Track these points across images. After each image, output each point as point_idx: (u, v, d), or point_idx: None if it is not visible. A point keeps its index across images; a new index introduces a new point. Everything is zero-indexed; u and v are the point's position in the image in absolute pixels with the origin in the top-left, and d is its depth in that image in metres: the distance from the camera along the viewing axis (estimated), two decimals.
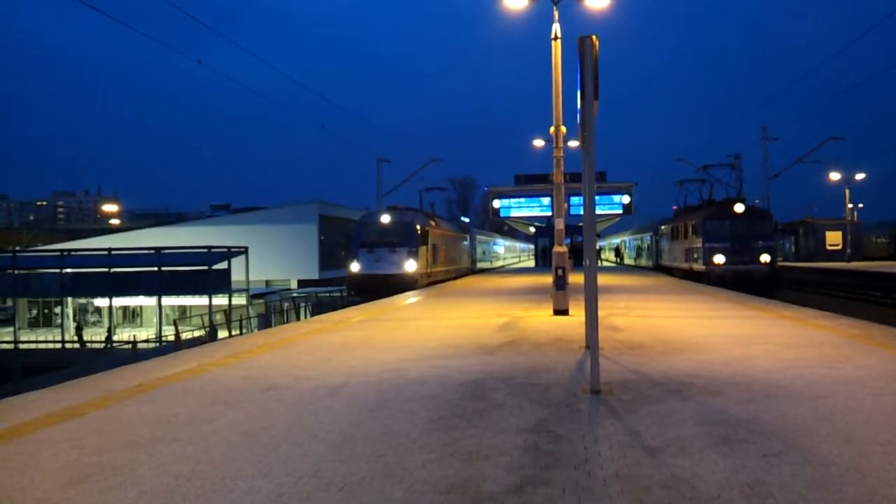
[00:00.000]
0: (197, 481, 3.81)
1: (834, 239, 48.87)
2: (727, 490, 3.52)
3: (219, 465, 4.07)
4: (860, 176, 50.78)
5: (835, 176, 49.37)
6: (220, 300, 33.06)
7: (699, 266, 26.94)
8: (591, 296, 6.59)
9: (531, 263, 56.98)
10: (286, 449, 4.39)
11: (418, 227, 27.30)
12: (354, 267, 26.47)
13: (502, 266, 58.36)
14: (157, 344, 28.05)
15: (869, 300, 27.49)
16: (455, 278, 32.52)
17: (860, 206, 61.38)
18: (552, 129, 14.40)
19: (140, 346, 26.70)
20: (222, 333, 27.20)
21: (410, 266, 26.18)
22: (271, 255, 41.89)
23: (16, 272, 33.96)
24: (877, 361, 7.22)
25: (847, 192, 48.87)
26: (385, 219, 27.24)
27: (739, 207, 26.46)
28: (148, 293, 33.53)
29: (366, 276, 26.00)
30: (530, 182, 42.03)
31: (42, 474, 3.98)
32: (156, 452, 4.36)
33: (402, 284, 25.01)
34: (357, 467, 4.00)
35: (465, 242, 40.12)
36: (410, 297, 19.15)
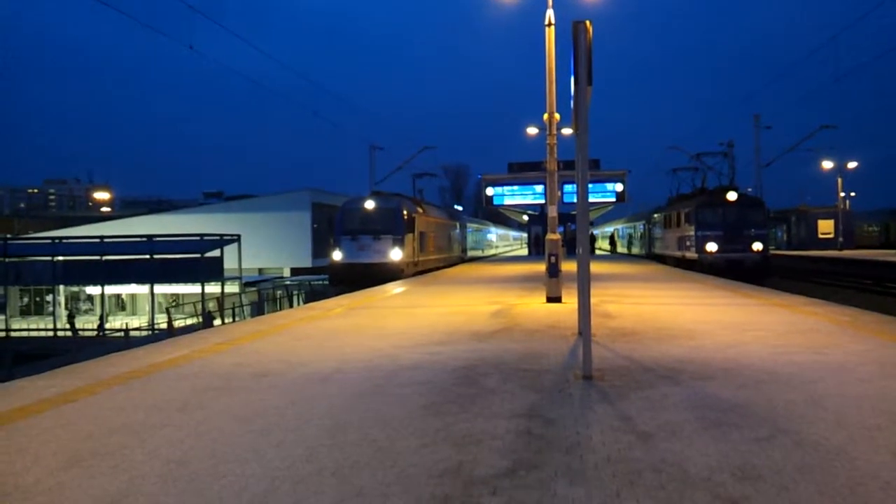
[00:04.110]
0: (189, 466, 3.81)
1: (826, 227, 49.14)
2: (717, 473, 3.55)
3: (211, 450, 4.07)
4: (852, 164, 50.94)
5: (827, 164, 49.60)
6: (213, 288, 33.04)
7: (692, 254, 27.03)
8: (584, 283, 6.59)
9: (524, 252, 57.04)
10: (279, 434, 4.39)
11: (405, 213, 26.02)
12: (336, 255, 25.14)
13: (494, 254, 58.28)
14: (150, 332, 28.01)
15: (860, 288, 27.69)
16: (444, 267, 32.07)
17: (852, 194, 61.75)
18: (546, 117, 14.34)
19: (132, 333, 26.69)
20: (215, 321, 27.19)
21: (396, 255, 24.99)
22: (264, 243, 41.81)
23: (7, 260, 33.82)
24: (866, 347, 7.27)
25: (839, 180, 49.12)
26: (369, 205, 25.74)
27: (732, 195, 26.49)
28: (140, 281, 33.48)
29: (348, 266, 24.75)
30: (524, 170, 41.89)
31: (34, 459, 3.98)
32: (148, 438, 4.36)
33: (386, 274, 23.94)
34: (350, 452, 4.00)
35: (455, 230, 39.76)
36: (402, 286, 19.14)
